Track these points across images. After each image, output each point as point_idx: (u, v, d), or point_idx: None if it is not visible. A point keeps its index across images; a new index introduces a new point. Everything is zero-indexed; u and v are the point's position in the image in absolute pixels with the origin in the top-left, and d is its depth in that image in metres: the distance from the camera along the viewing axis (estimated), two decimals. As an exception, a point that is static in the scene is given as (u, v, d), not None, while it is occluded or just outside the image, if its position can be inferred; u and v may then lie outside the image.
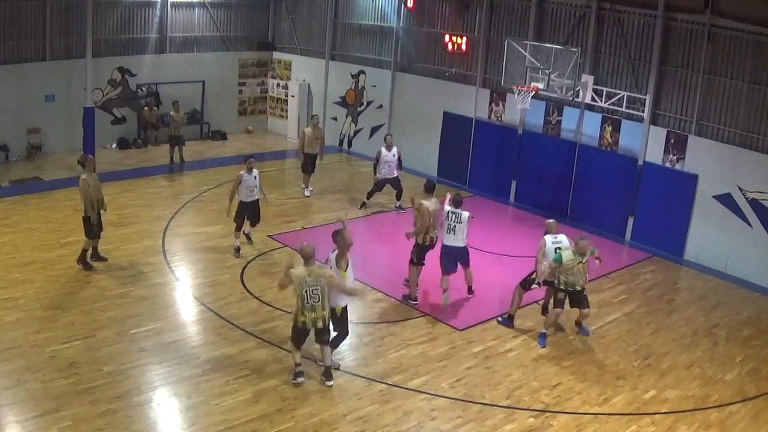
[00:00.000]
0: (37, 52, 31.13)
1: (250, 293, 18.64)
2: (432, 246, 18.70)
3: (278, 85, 37.62)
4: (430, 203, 18.54)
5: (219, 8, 36.18)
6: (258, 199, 21.52)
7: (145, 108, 33.76)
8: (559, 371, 15.72)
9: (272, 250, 21.80)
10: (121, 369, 14.77)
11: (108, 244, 21.33)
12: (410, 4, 30.89)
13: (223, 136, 35.96)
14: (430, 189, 19.23)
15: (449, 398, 14.38)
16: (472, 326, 17.52)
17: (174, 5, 34.65)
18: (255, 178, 21.35)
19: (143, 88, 34.12)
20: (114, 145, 33.37)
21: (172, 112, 30.80)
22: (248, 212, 21.54)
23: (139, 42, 34.07)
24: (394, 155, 25.28)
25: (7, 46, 30.22)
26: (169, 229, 22.88)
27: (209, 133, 36.05)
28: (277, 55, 38.00)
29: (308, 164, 27.22)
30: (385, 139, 25.79)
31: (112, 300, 17.90)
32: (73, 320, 16.82)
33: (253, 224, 21.96)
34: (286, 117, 37.12)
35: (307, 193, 27.22)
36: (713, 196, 22.63)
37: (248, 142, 35.54)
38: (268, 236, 22.75)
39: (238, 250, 21.14)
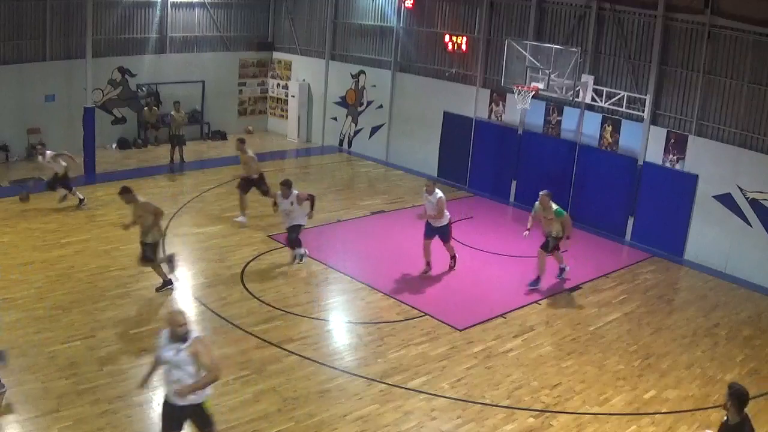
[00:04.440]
0: (37, 52, 31.14)
1: (250, 293, 18.62)
2: None
3: (278, 85, 37.65)
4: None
5: (219, 8, 36.21)
6: (298, 225, 20.60)
7: (146, 108, 33.79)
8: (559, 371, 15.72)
9: (272, 250, 21.77)
10: (122, 369, 14.79)
11: (108, 243, 21.40)
12: (409, 4, 30.86)
13: (223, 136, 36.02)
14: None
15: (449, 398, 14.37)
16: (472, 326, 17.51)
17: (174, 5, 34.68)
18: (292, 203, 20.27)
19: (143, 88, 34.15)
20: (114, 145, 33.39)
21: (173, 112, 30.88)
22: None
23: (139, 42, 34.10)
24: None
25: (8, 45, 30.25)
26: (169, 229, 22.77)
27: (209, 133, 36.10)
28: (277, 55, 38.00)
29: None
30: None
31: (112, 300, 17.92)
32: (73, 320, 16.83)
33: (292, 246, 20.89)
34: (287, 117, 37.12)
35: (241, 219, 24.24)
36: (713, 196, 22.63)
37: (248, 142, 35.45)
38: (268, 236, 22.76)
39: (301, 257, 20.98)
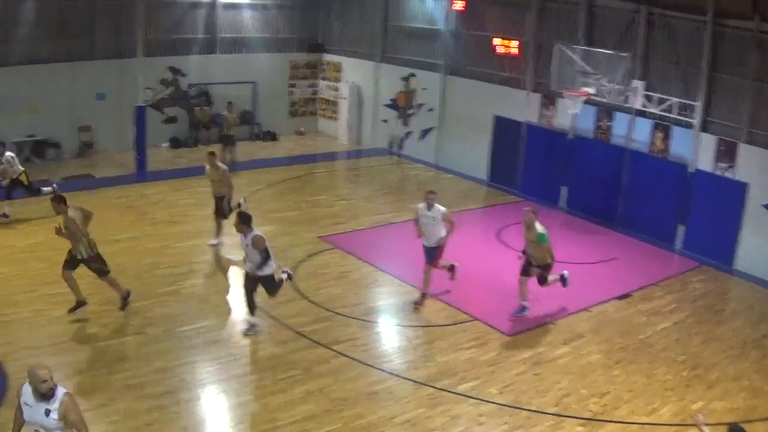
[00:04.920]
0: (87, 50, 31.61)
1: (300, 294, 18.71)
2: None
3: (329, 86, 37.76)
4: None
5: (268, 9, 36.38)
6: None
7: (197, 108, 34.06)
8: (608, 379, 15.62)
9: (322, 251, 21.85)
10: (170, 366, 14.99)
11: (158, 241, 21.68)
12: (459, 6, 30.75)
13: (274, 137, 36.17)
14: None
15: (497, 404, 14.34)
16: (521, 332, 17.48)
17: (224, 6, 34.95)
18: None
19: (194, 88, 34.44)
20: (166, 144, 33.72)
21: (225, 113, 31.06)
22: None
23: (189, 42, 34.44)
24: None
25: (58, 44, 30.69)
26: (221, 227, 22.95)
27: (260, 133, 36.27)
28: (327, 57, 38.09)
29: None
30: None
31: (161, 297, 18.20)
32: (123, 316, 17.13)
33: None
34: (337, 119, 37.21)
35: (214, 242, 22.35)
36: (763, 205, 22.34)
37: (299, 143, 35.79)
38: (317, 237, 22.86)
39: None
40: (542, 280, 17.97)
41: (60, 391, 9.76)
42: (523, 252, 18.14)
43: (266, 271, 16.36)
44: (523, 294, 18.08)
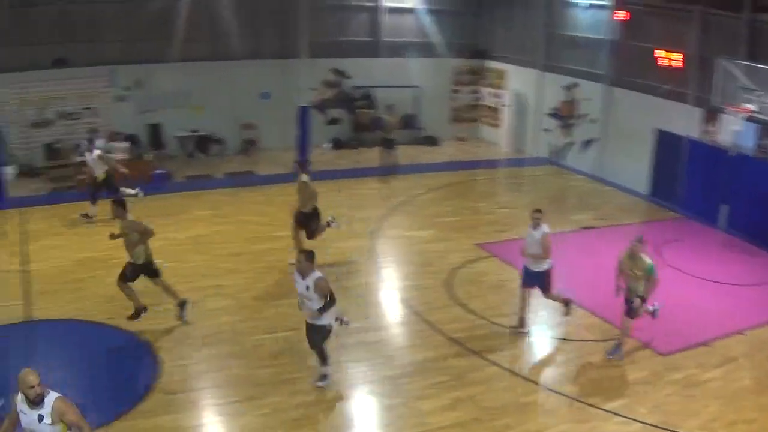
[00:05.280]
0: (254, 50, 32.44)
1: (456, 300, 18.63)
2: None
3: (491, 93, 37.67)
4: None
5: (432, 15, 36.38)
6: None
7: (360, 110, 34.58)
8: (758, 407, 14.82)
9: (480, 259, 21.71)
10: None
11: (318, 240, 22.02)
12: (622, 16, 30.09)
13: (435, 142, 36.25)
14: None
15: (645, 423, 13.87)
16: (674, 352, 16.80)
17: (388, 10, 35.35)
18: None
19: (358, 91, 34.97)
20: (328, 145, 34.36)
21: (386, 116, 31.29)
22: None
23: (354, 45, 34.97)
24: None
25: (225, 43, 31.77)
26: (379, 230, 23.33)
27: (422, 138, 36.41)
28: (490, 63, 37.94)
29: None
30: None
31: (321, 295, 18.43)
32: (279, 312, 17.46)
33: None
34: (499, 126, 37.06)
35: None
36: None
37: (460, 149, 35.78)
38: (476, 244, 22.72)
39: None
40: (630, 311, 16.04)
41: (51, 397, 9.88)
42: (619, 287, 16.25)
43: (324, 319, 14.15)
44: (624, 333, 16.29)
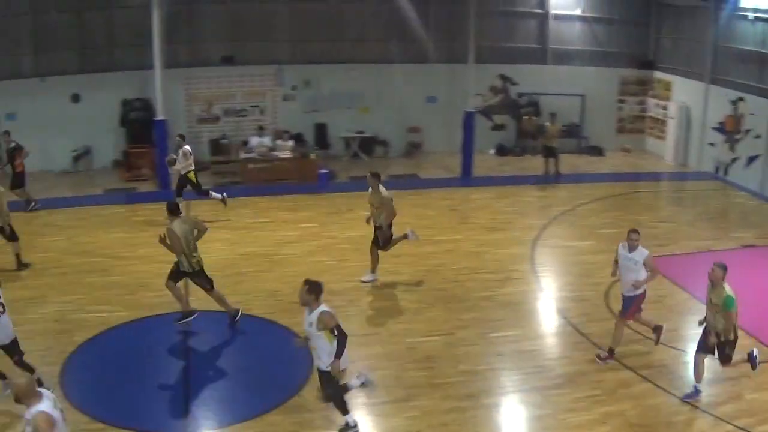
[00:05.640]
0: (420, 53, 32.48)
1: (613, 313, 17.96)
2: None
3: (657, 105, 36.68)
4: None
5: (600, 23, 35.71)
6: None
7: (525, 117, 34.28)
8: None
9: None
10: (476, 369, 15.11)
11: (479, 246, 22.02)
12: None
13: (599, 152, 35.53)
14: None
15: None
16: None
17: (556, 17, 34.90)
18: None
19: (524, 98, 34.66)
20: (492, 151, 34.15)
21: (548, 123, 30.84)
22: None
23: (520, 51, 34.62)
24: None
25: (393, 46, 32.08)
26: (539, 239, 23.03)
27: (586, 147, 35.82)
28: (657, 74, 36.89)
29: None
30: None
31: (476, 302, 18.34)
32: (436, 316, 17.46)
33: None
34: (664, 139, 36.04)
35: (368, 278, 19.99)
36: None
37: (624, 161, 34.92)
38: None
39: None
40: (725, 359, 14.27)
41: (34, 409, 9.42)
42: (702, 321, 14.51)
43: (325, 364, 12.35)
44: (698, 374, 14.48)
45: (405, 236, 19.83)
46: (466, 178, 29.68)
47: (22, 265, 21.04)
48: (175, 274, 16.83)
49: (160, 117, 28.52)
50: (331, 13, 32.45)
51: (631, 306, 15.51)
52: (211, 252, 21.26)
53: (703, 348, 14.27)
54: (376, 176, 19.60)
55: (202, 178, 28.30)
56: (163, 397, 14.49)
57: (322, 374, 12.48)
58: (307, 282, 12.12)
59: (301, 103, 32.83)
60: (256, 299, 18.56)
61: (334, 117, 32.90)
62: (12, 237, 20.80)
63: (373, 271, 19.72)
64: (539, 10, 34.63)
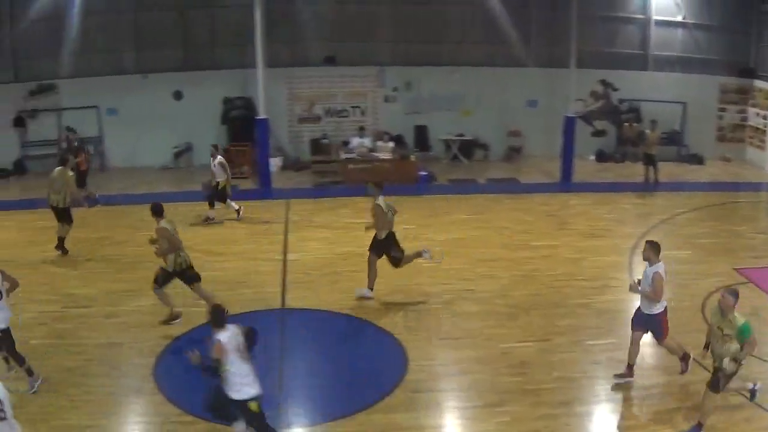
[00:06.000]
0: (522, 58, 32.59)
1: (709, 325, 17.89)
2: None
3: (758, 114, 35.95)
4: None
5: (701, 30, 35.32)
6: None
7: (626, 123, 34.05)
8: None
9: (737, 284, 19.91)
10: (571, 377, 15.06)
11: (577, 253, 22.05)
12: None
13: (699, 161, 35.06)
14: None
15: None
16: None
17: (657, 23, 34.62)
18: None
19: (625, 104, 34.45)
20: (592, 157, 34.03)
21: (647, 131, 30.59)
22: None
23: (621, 57, 34.60)
24: None
25: (494, 49, 32.78)
26: (637, 247, 22.62)
27: (686, 155, 35.38)
28: (758, 83, 36.07)
29: None
30: None
31: (572, 308, 18.30)
32: (531, 322, 17.46)
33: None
34: (765, 149, 35.33)
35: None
36: None
37: (724, 170, 34.47)
38: (734, 269, 21.70)
39: None
40: (715, 383, 13.07)
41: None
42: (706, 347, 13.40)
43: (237, 392, 11.93)
44: (705, 413, 13.21)
45: (419, 254, 18.97)
46: (566, 184, 29.78)
47: (61, 248, 22.18)
48: (162, 278, 17.21)
49: (261, 116, 28.99)
50: (432, 15, 32.77)
51: (660, 325, 14.75)
52: (309, 251, 21.73)
53: (714, 386, 13.03)
54: (378, 186, 18.96)
55: (302, 176, 28.83)
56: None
57: (235, 403, 12.04)
58: (213, 306, 12.61)
59: (402, 105, 33.24)
60: (351, 299, 18.85)
61: (435, 119, 33.17)
62: (68, 220, 21.96)
63: (371, 288, 18.89)
64: (640, 16, 34.49)
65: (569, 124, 30.10)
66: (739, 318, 12.56)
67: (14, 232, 24.58)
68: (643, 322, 14.79)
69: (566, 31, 30.07)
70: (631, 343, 14.94)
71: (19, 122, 33.19)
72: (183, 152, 33.76)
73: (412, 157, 30.93)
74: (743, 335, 12.45)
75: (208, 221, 25.25)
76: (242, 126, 31.98)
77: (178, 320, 17.54)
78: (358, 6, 33.02)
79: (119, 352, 16.40)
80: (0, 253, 21.57)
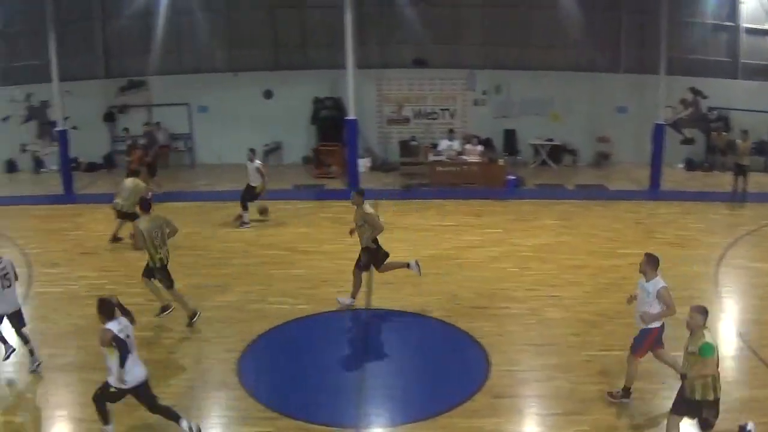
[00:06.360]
0: (611, 63, 32.72)
1: None
2: None
3: None
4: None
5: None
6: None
7: (714, 132, 33.76)
8: None
9: None
10: (651, 388, 14.74)
11: (662, 262, 21.32)
12: None
13: (790, 170, 34.64)
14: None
15: None
16: None
17: (747, 31, 34.17)
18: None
19: (714, 112, 34.17)
20: (681, 165, 33.84)
21: (738, 140, 30.13)
22: None
23: (711, 65, 34.14)
24: None
25: (581, 54, 32.62)
26: (723, 258, 22.68)
27: (776, 166, 34.85)
28: None
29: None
30: None
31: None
32: (615, 330, 17.22)
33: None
34: None
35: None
36: None
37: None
38: None
39: None
40: (705, 425, 12.19)
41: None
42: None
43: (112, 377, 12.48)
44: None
45: (407, 265, 18.90)
46: (654, 192, 29.68)
47: (116, 239, 23.66)
48: (149, 271, 17.99)
49: (350, 116, 29.36)
50: (521, 18, 32.91)
51: (643, 342, 14.05)
52: (394, 252, 21.85)
53: (679, 410, 12.27)
54: (361, 194, 18.68)
55: (390, 178, 29.17)
56: (338, 392, 15.08)
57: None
58: (98, 300, 12.69)
59: (491, 108, 33.42)
60: (435, 301, 19.09)
61: (524, 123, 33.27)
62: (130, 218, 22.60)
63: (353, 296, 18.86)
64: (730, 23, 34.03)
65: (658, 132, 29.97)
66: (707, 336, 11.76)
67: (103, 224, 25.43)
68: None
69: (656, 36, 29.89)
70: (628, 363, 14.43)
71: (109, 117, 34.15)
72: (272, 150, 34.34)
73: (501, 161, 31.09)
74: (704, 353, 11.56)
75: (243, 224, 25.66)
76: (332, 126, 32.52)
77: (169, 311, 18.22)
78: (448, 8, 33.25)
79: (203, 346, 17.01)
80: (89, 245, 22.36)
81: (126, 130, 31.46)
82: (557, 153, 33.76)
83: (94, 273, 20.72)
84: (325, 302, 18.91)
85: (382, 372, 15.99)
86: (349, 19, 28.39)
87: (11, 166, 36.36)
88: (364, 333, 17.94)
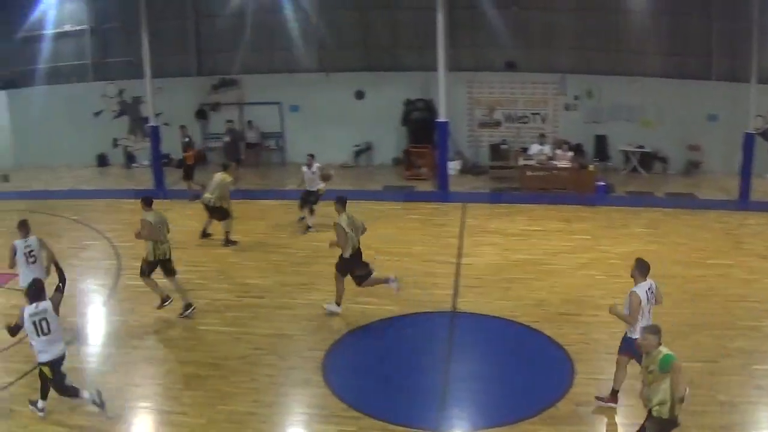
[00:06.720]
0: (702, 70, 32.40)
1: None
2: None
3: None
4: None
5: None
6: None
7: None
8: None
9: None
10: (734, 401, 14.72)
11: (751, 273, 21.70)
12: None
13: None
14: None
15: None
16: None
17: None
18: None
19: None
20: (772, 175, 33.46)
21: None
22: None
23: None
24: None
25: (671, 60, 32.24)
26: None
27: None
28: None
29: None
30: None
31: (743, 330, 17.83)
32: (700, 341, 17.19)
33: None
34: None
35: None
36: None
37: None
38: None
39: None
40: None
41: None
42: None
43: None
44: None
45: (386, 280, 18.97)
46: (744, 202, 29.31)
47: (229, 242, 24.21)
48: (147, 269, 18.63)
49: (442, 118, 29.66)
50: (612, 23, 32.79)
51: (628, 346, 13.87)
52: (482, 256, 22.28)
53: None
54: (339, 201, 18.87)
55: (479, 181, 29.43)
56: (420, 394, 15.37)
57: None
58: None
59: (583, 114, 33.36)
60: (523, 306, 19.31)
61: (614, 129, 33.18)
62: (220, 216, 23.90)
63: (338, 303, 19.00)
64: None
65: (749, 141, 29.59)
66: (663, 350, 11.58)
67: (195, 220, 26.13)
68: (626, 346, 14.02)
69: (748, 44, 29.53)
70: (617, 368, 14.45)
71: (201, 114, 34.94)
72: (363, 151, 34.80)
73: (591, 167, 31.10)
74: (665, 365, 11.37)
75: (308, 228, 25.95)
76: (422, 128, 32.85)
77: (168, 302, 18.81)
78: (539, 12, 33.33)
79: (289, 344, 17.50)
80: (180, 240, 22.99)
81: (183, 127, 31.96)
82: (648, 160, 33.58)
83: (184, 268, 21.17)
84: (412, 304, 19.29)
85: (465, 375, 16.28)
86: (441, 20, 28.71)
87: (103, 160, 37.73)
88: (449, 336, 18.19)
